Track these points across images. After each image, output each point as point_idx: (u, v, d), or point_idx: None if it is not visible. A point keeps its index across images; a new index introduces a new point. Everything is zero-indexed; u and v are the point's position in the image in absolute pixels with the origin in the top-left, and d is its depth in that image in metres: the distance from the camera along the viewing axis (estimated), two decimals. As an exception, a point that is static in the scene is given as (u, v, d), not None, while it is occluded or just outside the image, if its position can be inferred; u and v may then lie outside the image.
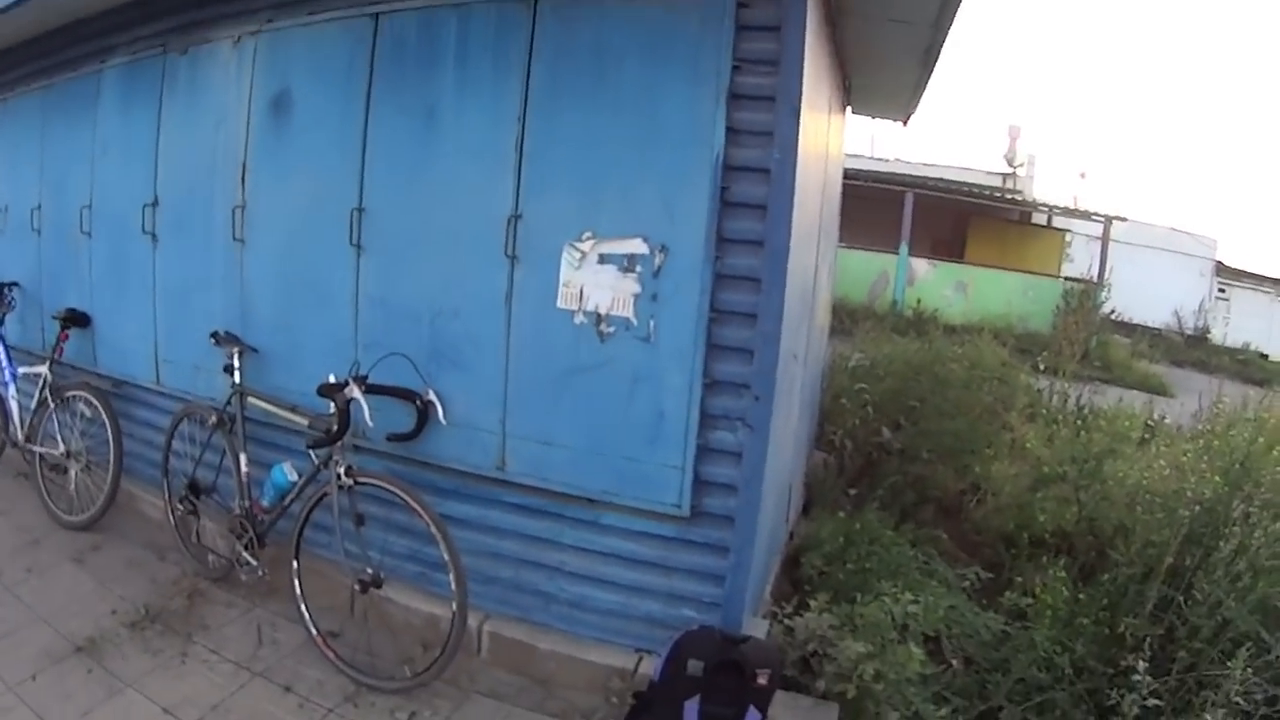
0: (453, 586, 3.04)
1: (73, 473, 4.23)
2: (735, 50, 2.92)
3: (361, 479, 3.20)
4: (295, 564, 3.36)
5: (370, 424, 3.19)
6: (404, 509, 3.16)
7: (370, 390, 3.23)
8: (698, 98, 2.95)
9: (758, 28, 2.93)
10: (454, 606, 3.04)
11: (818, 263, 4.08)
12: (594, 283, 3.07)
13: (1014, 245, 17.20)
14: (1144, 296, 18.80)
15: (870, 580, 3.65)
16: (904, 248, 15.03)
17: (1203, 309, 20.59)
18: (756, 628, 3.32)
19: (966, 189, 16.59)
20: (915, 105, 5.48)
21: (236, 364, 3.64)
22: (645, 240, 3.01)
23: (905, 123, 5.98)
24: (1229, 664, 3.27)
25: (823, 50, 3.55)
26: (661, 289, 3.00)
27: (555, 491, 3.22)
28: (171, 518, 3.90)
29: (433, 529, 3.08)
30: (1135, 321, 18.23)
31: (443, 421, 3.31)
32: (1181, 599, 3.65)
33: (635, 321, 3.04)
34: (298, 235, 3.63)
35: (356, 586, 3.16)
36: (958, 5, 3.51)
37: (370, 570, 3.17)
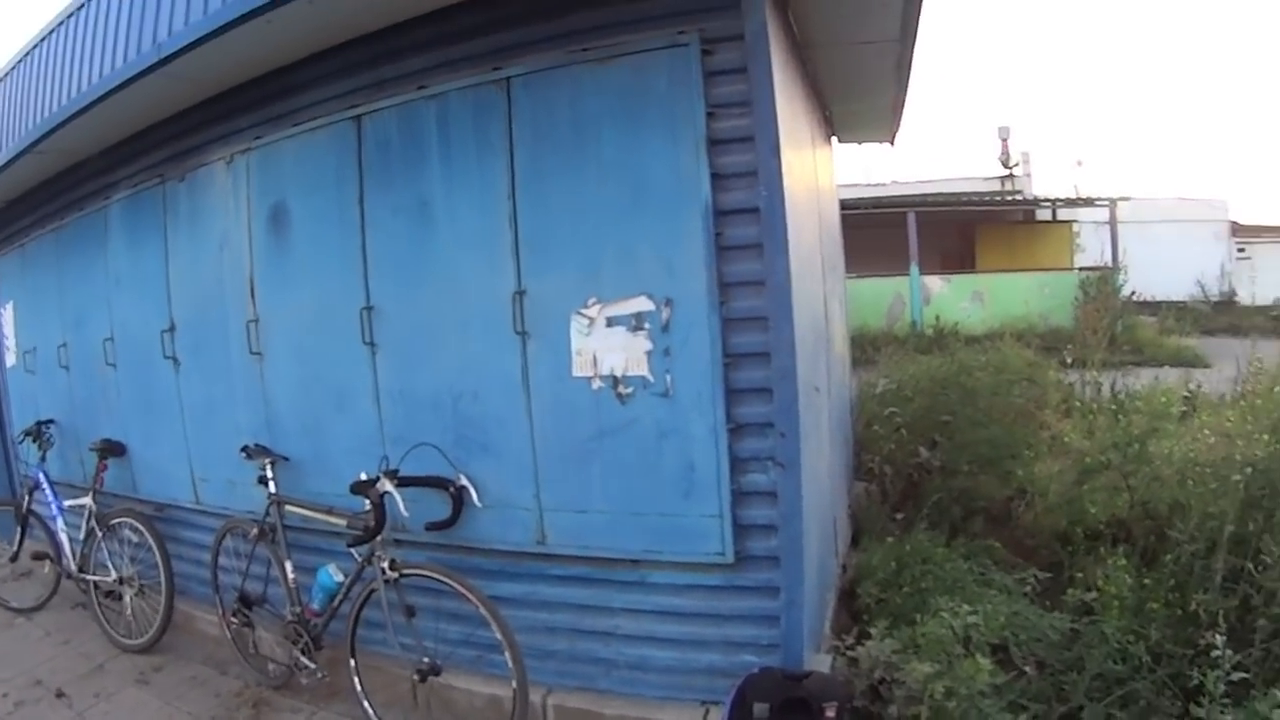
0: (510, 665, 3.04)
1: (127, 598, 4.30)
2: (707, 97, 2.97)
3: (406, 570, 3.23)
4: (353, 662, 3.39)
5: (406, 515, 3.23)
6: (452, 595, 3.17)
7: (403, 483, 3.27)
8: (678, 149, 2.99)
9: (725, 72, 2.98)
10: (514, 685, 3.04)
11: (826, 294, 4.08)
12: (605, 346, 3.10)
13: (1023, 245, 17.12)
14: (1163, 271, 18.38)
15: (928, 600, 3.59)
16: (914, 268, 15.01)
17: (1225, 273, 20.12)
18: (820, 663, 3.28)
19: (965, 199, 16.61)
20: (898, 124, 5.52)
21: (270, 474, 3.70)
22: (649, 297, 3.04)
23: (892, 143, 6.03)
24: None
25: (796, 84, 3.59)
26: (673, 342, 3.02)
27: (598, 558, 3.21)
28: (228, 632, 3.95)
29: (483, 610, 3.09)
30: (1159, 299, 17.82)
31: (477, 504, 3.33)
32: (1251, 566, 3.55)
33: (652, 378, 3.05)
34: (312, 341, 3.71)
35: (415, 677, 3.18)
36: (919, 18, 3.54)
37: (427, 659, 3.19)
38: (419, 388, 3.46)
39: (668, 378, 3.03)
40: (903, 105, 5.04)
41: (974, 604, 3.49)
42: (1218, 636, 3.14)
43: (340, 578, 3.47)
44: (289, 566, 3.65)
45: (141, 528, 4.21)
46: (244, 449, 3.79)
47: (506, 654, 3.05)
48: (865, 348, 8.40)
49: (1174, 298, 18.35)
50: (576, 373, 3.15)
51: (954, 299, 15.02)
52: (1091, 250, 16.28)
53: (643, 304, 3.05)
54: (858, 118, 5.20)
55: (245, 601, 3.81)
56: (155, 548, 4.13)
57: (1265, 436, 3.85)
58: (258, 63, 3.74)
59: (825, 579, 3.69)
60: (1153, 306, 16.92)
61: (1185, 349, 11.93)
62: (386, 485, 3.22)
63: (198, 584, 4.22)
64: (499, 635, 3.05)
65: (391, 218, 3.48)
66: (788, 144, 3.13)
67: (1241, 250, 20.98)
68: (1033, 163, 18.99)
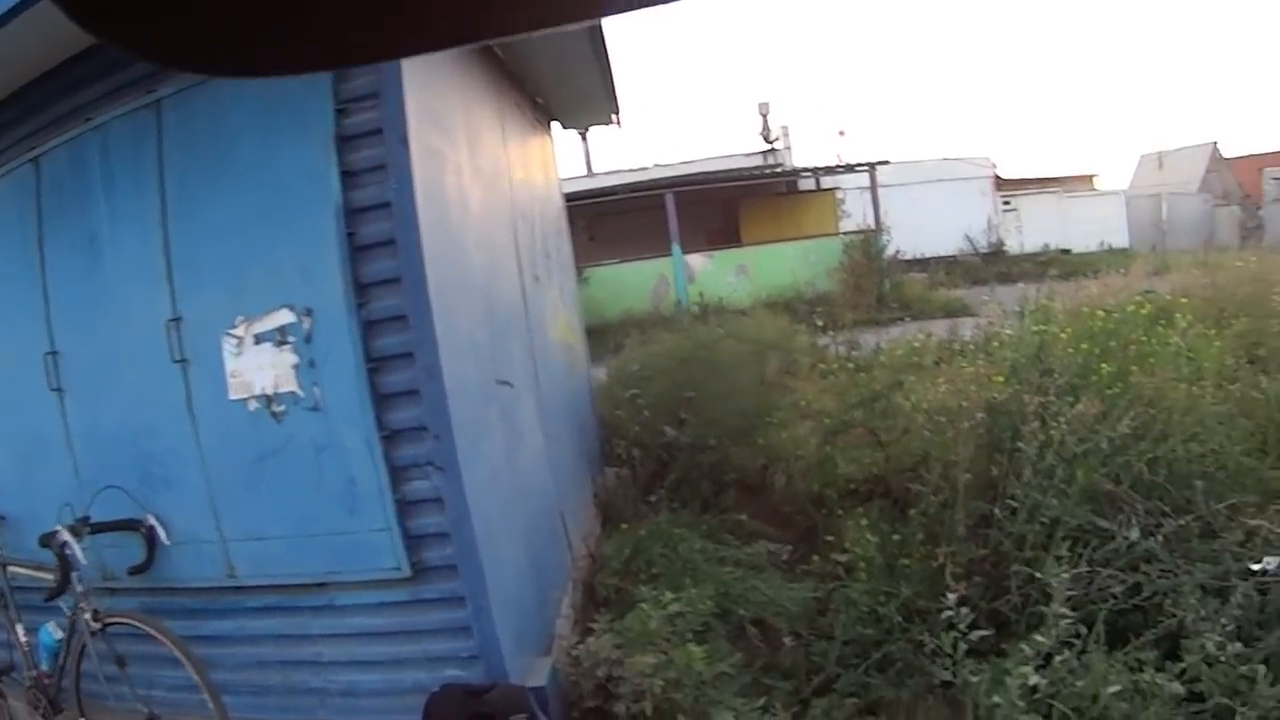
0: (210, 706, 2.92)
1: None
2: (337, 93, 2.86)
3: (108, 620, 3.10)
4: (82, 720, 3.26)
5: (84, 563, 3.10)
6: (154, 641, 3.04)
7: (97, 529, 3.16)
8: (308, 148, 2.89)
9: (354, 66, 2.86)
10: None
11: (526, 284, 3.93)
12: (256, 365, 2.97)
13: (787, 216, 17.34)
14: (933, 229, 19.08)
15: (660, 587, 3.43)
16: (675, 248, 15.03)
17: (992, 225, 21.05)
18: (538, 668, 3.13)
19: (722, 175, 16.64)
20: (616, 106, 5.44)
21: (-19, 531, 3.58)
22: (291, 308, 2.91)
23: (617, 125, 5.99)
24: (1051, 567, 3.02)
25: (465, 72, 3.46)
26: (316, 353, 2.89)
27: (286, 585, 3.08)
28: (-16, 704, 3.81)
29: (176, 652, 2.97)
30: (929, 255, 18.54)
31: (167, 543, 3.20)
32: (997, 511, 3.38)
33: (302, 393, 2.92)
34: (11, 393, 3.59)
35: (130, 728, 3.06)
36: None
37: (145, 709, 3.06)
38: (105, 429, 3.34)
39: (316, 390, 2.90)
40: (614, 87, 4.92)
41: (706, 584, 3.35)
42: (950, 595, 2.98)
43: (60, 634, 3.33)
44: (20, 630, 3.50)
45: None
46: (-38, 512, 3.68)
47: (205, 695, 2.93)
48: (631, 331, 8.30)
49: (945, 253, 19.11)
50: (233, 395, 3.02)
51: (719, 275, 15.08)
52: (858, 215, 16.57)
53: (285, 316, 2.92)
54: (574, 102, 5.12)
55: (-12, 671, 3.68)
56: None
57: (999, 379, 3.67)
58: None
59: (545, 577, 3.52)
60: (923, 263, 17.49)
61: (954, 300, 12.10)
62: (64, 535, 3.09)
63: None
64: (195, 676, 2.93)
65: (68, 256, 3.36)
66: (432, 133, 3.02)
67: (1007, 203, 21.91)
68: (793, 135, 19.08)
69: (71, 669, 3.26)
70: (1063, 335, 3.94)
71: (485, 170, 3.58)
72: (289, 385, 2.93)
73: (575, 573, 3.93)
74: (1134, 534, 3.05)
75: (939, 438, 3.71)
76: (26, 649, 3.50)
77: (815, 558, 3.59)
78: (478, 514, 2.87)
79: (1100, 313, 4.12)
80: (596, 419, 5.70)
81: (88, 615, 3.10)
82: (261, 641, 3.18)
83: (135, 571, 3.26)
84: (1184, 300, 4.65)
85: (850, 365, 5.40)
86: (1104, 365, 3.65)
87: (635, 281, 14.51)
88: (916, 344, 5.22)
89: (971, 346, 5.28)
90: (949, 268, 17.38)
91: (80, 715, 3.27)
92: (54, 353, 3.40)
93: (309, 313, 2.88)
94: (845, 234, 15.47)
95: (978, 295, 10.36)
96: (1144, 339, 3.86)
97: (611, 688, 3.10)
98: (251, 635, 3.19)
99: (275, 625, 3.14)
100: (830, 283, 13.97)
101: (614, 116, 5.72)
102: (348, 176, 2.85)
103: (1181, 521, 3.02)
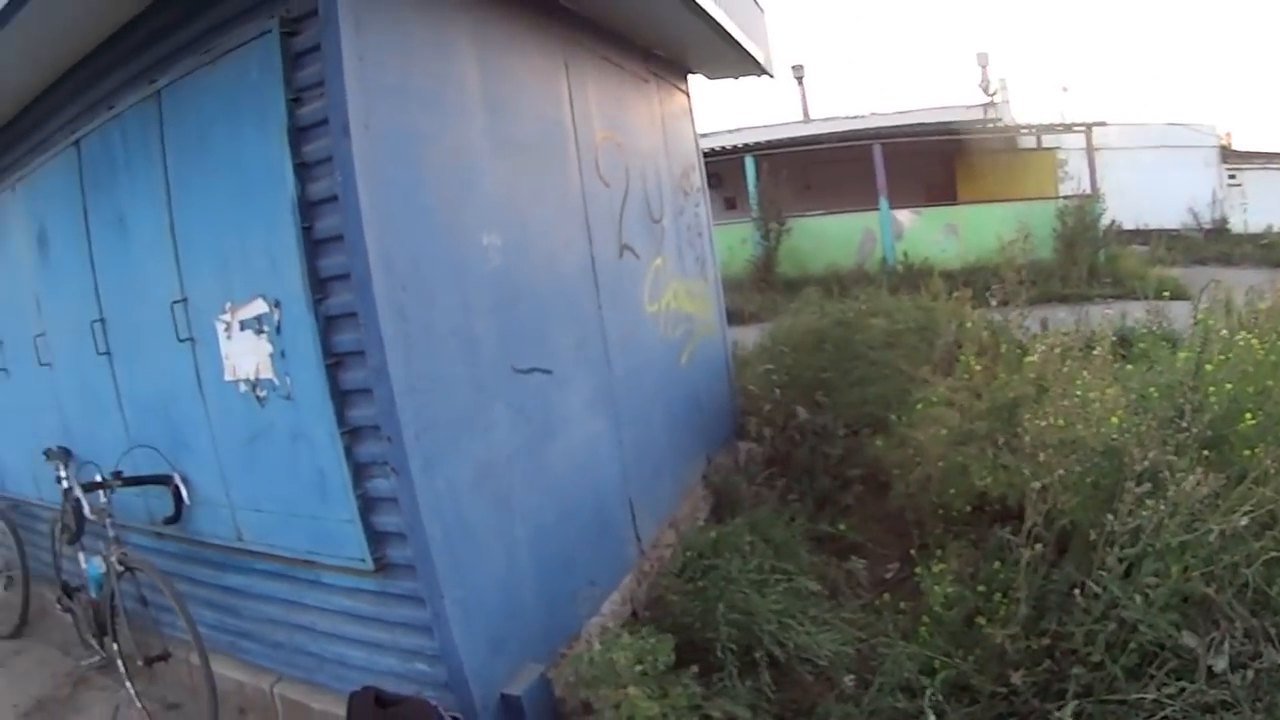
0: (196, 652, 3.23)
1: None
2: (290, 81, 2.81)
3: (130, 564, 3.47)
4: (116, 646, 3.64)
5: (91, 516, 3.48)
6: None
7: (128, 482, 3.50)
8: (266, 140, 2.87)
9: (309, 51, 2.78)
10: (200, 664, 3.24)
11: (595, 258, 3.83)
12: (240, 350, 3.08)
13: (1005, 175, 15.47)
14: (1154, 199, 17.00)
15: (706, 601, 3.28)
16: (883, 202, 13.73)
17: (1216, 199, 18.35)
18: (523, 675, 3.12)
19: (938, 128, 14.90)
20: (751, 54, 5.06)
21: (63, 474, 3.95)
22: (264, 298, 2.97)
23: (769, 75, 5.40)
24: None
25: (488, 33, 3.30)
26: (287, 344, 2.94)
27: (281, 556, 3.25)
28: (70, 618, 4.32)
29: (171, 600, 3.28)
30: (1151, 227, 16.37)
31: (187, 502, 3.46)
32: (1078, 594, 2.83)
33: (278, 382, 3.00)
34: (76, 352, 3.91)
35: (141, 662, 3.48)
36: None
37: (160, 644, 3.48)
38: (142, 392, 3.63)
39: (288, 380, 2.97)
40: (726, 33, 4.52)
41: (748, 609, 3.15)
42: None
43: (102, 569, 3.71)
44: (81, 558, 3.92)
45: (1, 522, 4.65)
46: (46, 451, 4.09)
47: (190, 638, 3.24)
48: (833, 289, 7.64)
49: (1167, 226, 16.97)
50: (228, 377, 3.17)
51: (927, 233, 13.69)
52: (1079, 178, 14.36)
53: (260, 306, 2.99)
54: (691, 52, 4.85)
55: (66, 591, 4.18)
56: (12, 538, 4.56)
57: (1115, 417, 3.06)
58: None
59: (576, 574, 3.51)
60: (1143, 235, 15.67)
61: (1168, 280, 10.44)
62: (75, 488, 3.49)
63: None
64: (184, 623, 3.25)
65: (105, 232, 3.59)
66: (405, 114, 2.91)
67: (1233, 177, 19.13)
68: (1010, 90, 16.74)
69: (105, 601, 3.63)
70: (1209, 367, 3.21)
71: (524, 140, 3.45)
72: (268, 373, 3.02)
73: (646, 564, 3.91)
74: (1221, 664, 2.47)
75: (1040, 476, 3.10)
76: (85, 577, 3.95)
77: (887, 596, 3.26)
78: (438, 516, 2.83)
79: (1258, 342, 3.27)
80: (732, 389, 5.53)
81: (114, 558, 3.47)
82: (269, 601, 3.40)
83: (168, 523, 3.58)
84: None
85: (1008, 357, 4.50)
86: (1248, 415, 2.89)
87: (840, 235, 13.85)
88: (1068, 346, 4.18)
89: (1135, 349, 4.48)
90: (1169, 242, 15.54)
91: (114, 641, 3.65)
92: (101, 320, 3.69)
93: (278, 304, 2.92)
94: (1062, 198, 13.87)
95: (1195, 276, 8.88)
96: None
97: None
98: (261, 594, 3.43)
99: (278, 589, 3.34)
100: (1045, 249, 12.50)
101: (759, 68, 5.24)
102: (303, 169, 2.81)
103: (1282, 659, 2.32)
